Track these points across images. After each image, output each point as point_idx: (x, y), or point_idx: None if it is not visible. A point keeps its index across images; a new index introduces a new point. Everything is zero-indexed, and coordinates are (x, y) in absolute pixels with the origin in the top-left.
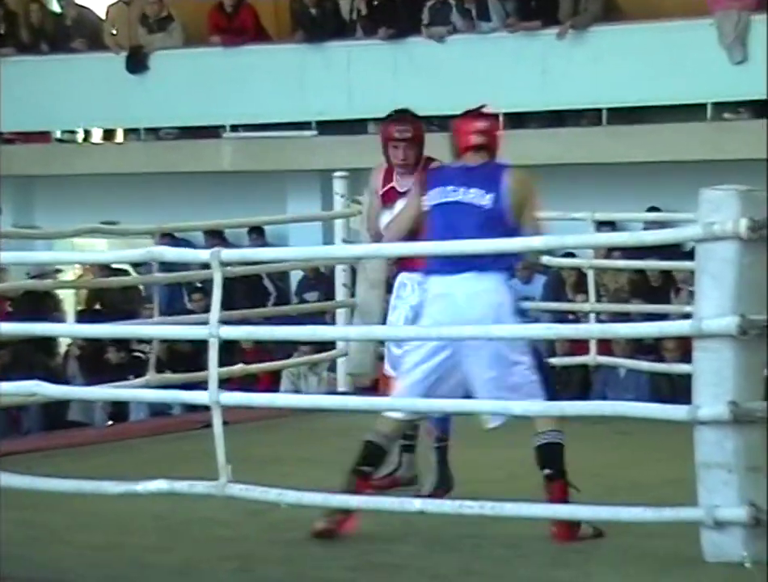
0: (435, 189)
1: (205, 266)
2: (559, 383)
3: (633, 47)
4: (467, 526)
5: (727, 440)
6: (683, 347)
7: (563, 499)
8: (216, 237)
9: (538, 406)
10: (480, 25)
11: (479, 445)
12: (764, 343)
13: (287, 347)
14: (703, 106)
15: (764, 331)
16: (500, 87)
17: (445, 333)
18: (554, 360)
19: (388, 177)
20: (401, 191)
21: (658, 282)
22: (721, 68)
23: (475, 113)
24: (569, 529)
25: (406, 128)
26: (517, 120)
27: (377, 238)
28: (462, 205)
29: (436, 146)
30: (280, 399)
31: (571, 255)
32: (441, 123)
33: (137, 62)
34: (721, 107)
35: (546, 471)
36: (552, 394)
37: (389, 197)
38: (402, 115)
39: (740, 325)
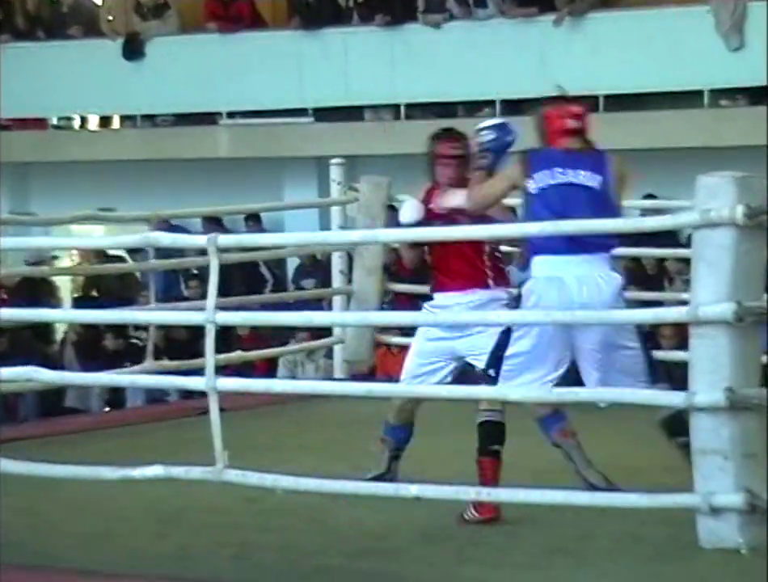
0: (541, 172)
1: (202, 252)
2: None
3: (630, 34)
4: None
5: (723, 426)
6: (680, 335)
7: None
8: (214, 223)
9: (535, 392)
10: (477, 12)
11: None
12: (760, 330)
13: (284, 335)
14: (700, 93)
15: (760, 317)
16: (497, 74)
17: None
18: None
19: (428, 198)
20: (438, 212)
21: (654, 270)
22: (718, 55)
23: (567, 98)
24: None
25: (458, 146)
26: (515, 107)
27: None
28: (575, 186)
29: (425, 134)
30: (277, 385)
31: None
32: (440, 111)
33: (133, 49)
34: (718, 94)
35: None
36: (657, 378)
37: (428, 217)
38: (452, 133)
39: (737, 312)
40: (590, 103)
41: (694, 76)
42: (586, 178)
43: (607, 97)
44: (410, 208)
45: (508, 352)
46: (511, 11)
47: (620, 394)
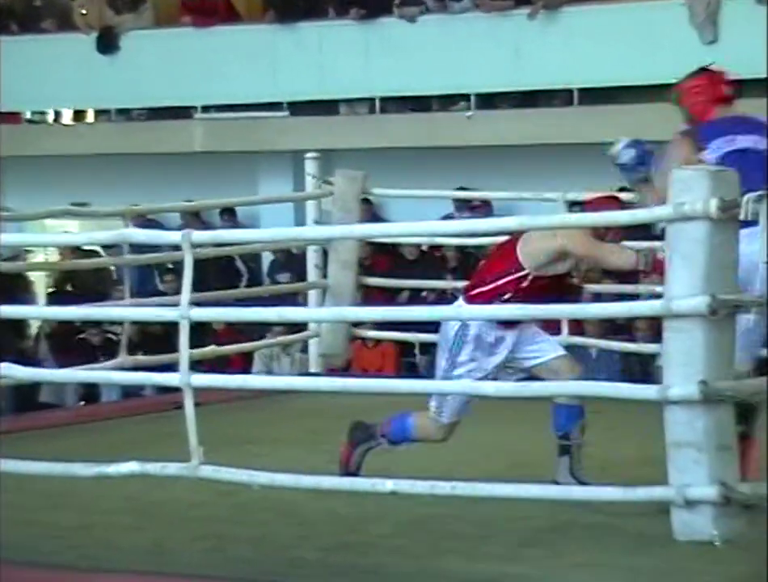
0: (715, 141)
1: (176, 247)
2: None
3: (604, 27)
4: (439, 506)
5: (697, 419)
6: (654, 328)
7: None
8: (193, 217)
9: (510, 386)
10: (452, 5)
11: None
12: (733, 323)
13: (260, 329)
14: (673, 85)
15: (734, 310)
16: (472, 67)
17: None
18: None
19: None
20: None
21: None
22: (692, 48)
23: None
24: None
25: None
26: (489, 100)
27: None
28: (751, 152)
29: (406, 127)
30: (252, 381)
31: None
32: (415, 104)
33: (107, 43)
34: None
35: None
36: None
37: None
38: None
39: (710, 305)
40: (564, 96)
41: (669, 69)
42: (757, 142)
43: (582, 90)
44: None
45: None
46: (486, 5)
47: (596, 388)
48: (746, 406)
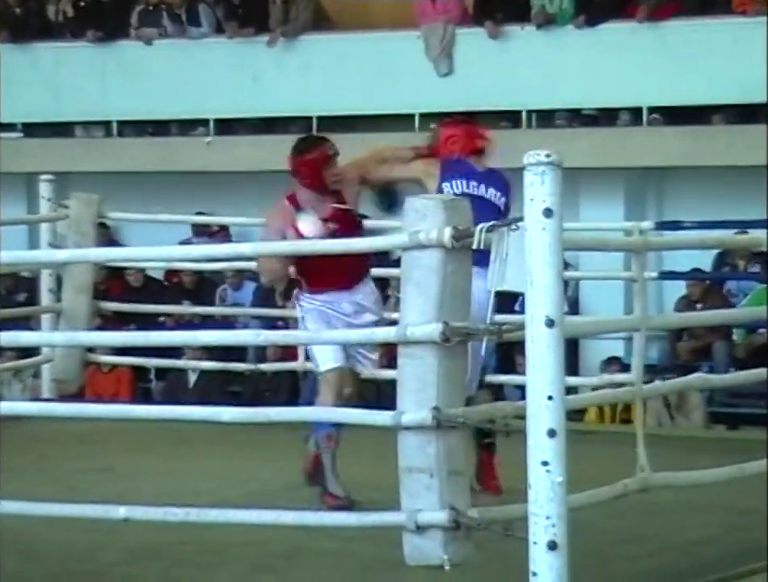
0: (456, 180)
1: None
2: (268, 390)
3: (343, 56)
4: (172, 533)
5: (429, 445)
6: (390, 353)
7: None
8: None
9: (245, 413)
10: (191, 30)
11: (186, 456)
12: (465, 350)
13: None
14: (411, 116)
15: (465, 338)
16: (211, 93)
17: None
18: (263, 366)
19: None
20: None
21: None
22: (428, 80)
23: (468, 118)
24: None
25: (331, 146)
26: (228, 126)
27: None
28: (484, 201)
29: (144, 151)
30: None
31: None
32: (154, 129)
33: None
34: (428, 117)
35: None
36: None
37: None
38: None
39: (443, 332)
40: (303, 124)
41: (406, 99)
42: (494, 196)
43: (320, 118)
44: (311, 223)
45: None
46: (225, 31)
47: (331, 413)
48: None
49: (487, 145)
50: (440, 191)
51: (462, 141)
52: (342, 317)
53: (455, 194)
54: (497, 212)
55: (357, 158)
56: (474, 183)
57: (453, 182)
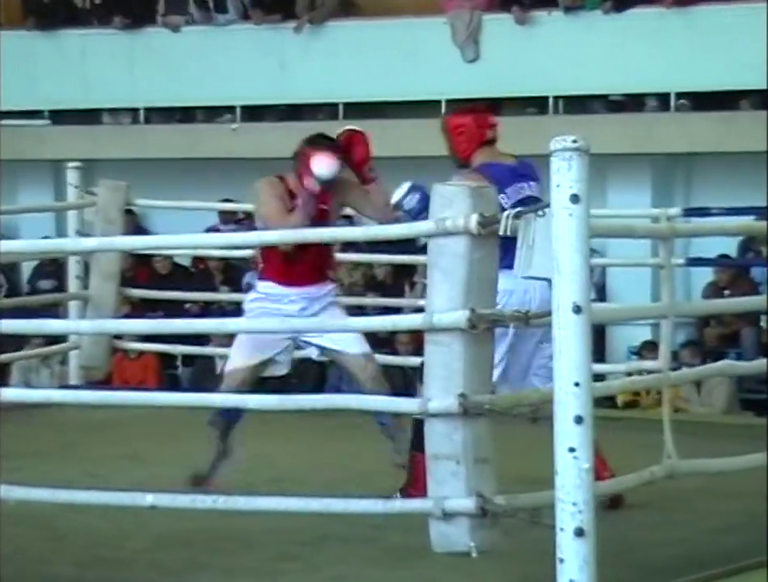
0: (507, 190)
1: None
2: (294, 377)
3: (369, 43)
4: (199, 520)
5: (456, 431)
6: (417, 341)
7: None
8: None
9: (272, 400)
10: (217, 17)
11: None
12: (492, 337)
13: (18, 339)
14: (438, 103)
15: (492, 324)
16: (238, 80)
17: None
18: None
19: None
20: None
21: (390, 277)
22: (454, 66)
23: (482, 107)
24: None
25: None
26: (255, 112)
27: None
28: (533, 199)
29: (170, 138)
30: (8, 393)
31: None
32: (180, 116)
33: None
34: (455, 104)
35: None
36: None
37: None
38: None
39: (470, 319)
40: (329, 110)
41: (432, 86)
42: (536, 190)
43: (346, 105)
44: (327, 162)
45: None
46: (252, 17)
47: (358, 401)
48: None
49: (496, 133)
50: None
51: (470, 132)
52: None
53: (516, 203)
54: None
55: None
56: (521, 185)
57: (506, 192)
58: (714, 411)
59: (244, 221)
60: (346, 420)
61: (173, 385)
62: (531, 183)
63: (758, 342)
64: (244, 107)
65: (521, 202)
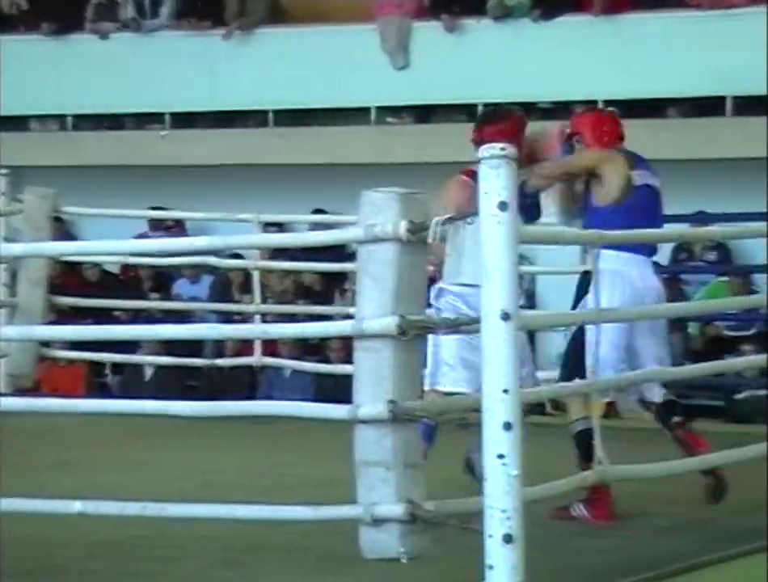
0: (640, 170)
1: None
2: (225, 384)
3: (299, 50)
4: (131, 528)
5: (386, 438)
6: (348, 348)
7: None
8: None
9: (202, 406)
10: (147, 23)
11: (144, 450)
12: (421, 343)
13: None
14: (367, 110)
15: (421, 330)
16: (167, 86)
17: None
18: (220, 361)
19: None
20: None
21: (321, 285)
22: (384, 73)
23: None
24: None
25: None
26: (185, 120)
27: None
28: (656, 191)
29: (99, 145)
30: None
31: (237, 256)
32: (109, 123)
33: None
34: (384, 111)
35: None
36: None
37: None
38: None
39: (400, 325)
40: (260, 118)
41: (362, 93)
42: (657, 181)
43: (276, 112)
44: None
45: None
46: (182, 24)
47: (288, 408)
48: None
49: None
50: (617, 175)
51: (612, 128)
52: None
53: (643, 185)
54: (662, 202)
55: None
56: (647, 172)
57: (638, 171)
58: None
59: (173, 229)
60: (280, 427)
61: (103, 392)
62: (650, 172)
63: (686, 348)
64: (173, 114)
65: (646, 187)
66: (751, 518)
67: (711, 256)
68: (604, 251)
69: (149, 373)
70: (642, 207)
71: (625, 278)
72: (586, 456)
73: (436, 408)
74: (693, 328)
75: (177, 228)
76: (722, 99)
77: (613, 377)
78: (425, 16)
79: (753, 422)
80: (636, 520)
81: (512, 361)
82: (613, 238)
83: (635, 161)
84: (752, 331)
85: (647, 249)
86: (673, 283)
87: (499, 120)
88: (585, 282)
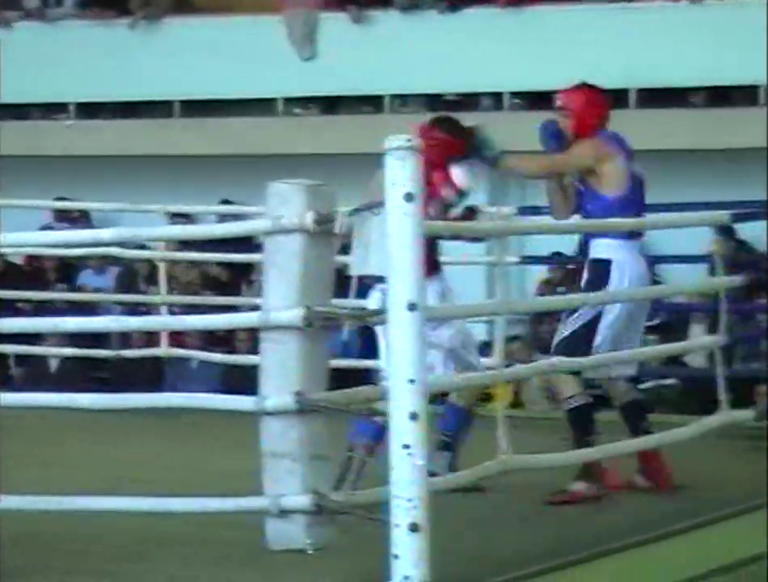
0: (624, 155)
1: None
2: (131, 376)
3: (205, 40)
4: (37, 522)
5: (292, 429)
6: (255, 339)
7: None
8: None
9: (106, 399)
10: (51, 12)
11: (49, 444)
12: (327, 335)
13: None
14: (274, 100)
15: (327, 322)
16: (73, 76)
17: None
18: (126, 353)
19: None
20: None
21: (228, 276)
22: (291, 64)
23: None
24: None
25: None
26: (90, 110)
27: None
28: (638, 175)
29: (4, 135)
30: None
31: (143, 246)
32: (16, 112)
33: None
34: (291, 102)
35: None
36: None
37: None
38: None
39: (306, 316)
40: (166, 108)
41: (268, 84)
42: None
43: (183, 102)
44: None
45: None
46: (87, 13)
47: (194, 400)
48: None
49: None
50: (615, 168)
51: (602, 110)
52: None
53: (631, 174)
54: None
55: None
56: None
57: (622, 156)
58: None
59: (79, 220)
60: (187, 419)
61: (6, 385)
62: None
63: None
64: (79, 105)
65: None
66: (649, 507)
67: None
68: (602, 240)
69: (54, 364)
70: (637, 193)
71: (627, 266)
72: (586, 431)
73: (341, 399)
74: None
75: (83, 219)
76: (625, 91)
77: (520, 368)
78: (332, 7)
79: (658, 412)
80: (533, 509)
81: (418, 352)
82: (517, 229)
83: (621, 146)
84: (655, 322)
85: (638, 235)
86: (578, 273)
87: (449, 132)
88: (599, 273)
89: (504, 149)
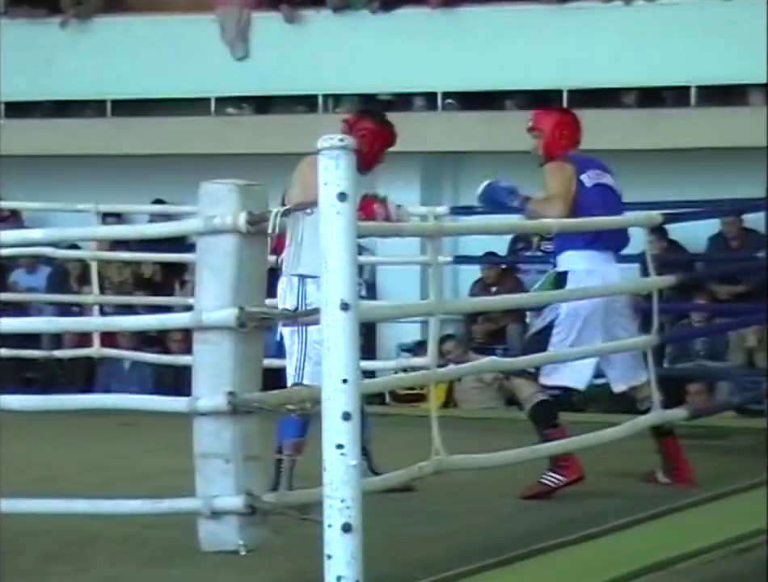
0: (588, 171)
1: None
2: (63, 376)
3: (137, 39)
4: None
5: (225, 430)
6: (188, 339)
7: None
8: None
9: (37, 400)
10: None
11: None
12: (261, 335)
13: None
14: (207, 100)
15: (261, 322)
16: (3, 75)
17: None
18: (58, 353)
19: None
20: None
21: (160, 276)
22: (224, 63)
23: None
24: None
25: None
26: (20, 109)
27: None
28: (611, 189)
29: None
30: None
31: (75, 246)
32: None
33: None
34: (224, 101)
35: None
36: None
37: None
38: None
39: (239, 317)
40: (98, 107)
41: (201, 83)
42: (614, 182)
43: (115, 102)
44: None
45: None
46: (17, 12)
47: (126, 400)
48: None
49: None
50: (580, 185)
51: (572, 132)
52: None
53: (594, 185)
54: (620, 198)
55: None
56: (598, 171)
57: (587, 173)
58: (485, 406)
59: (9, 220)
60: (119, 419)
61: None
62: (607, 175)
63: (523, 338)
64: (9, 104)
65: (599, 185)
66: (582, 505)
67: (549, 246)
68: (563, 254)
69: None
70: (594, 205)
71: (584, 276)
72: (551, 423)
73: (275, 400)
74: (531, 318)
75: (13, 218)
76: (559, 92)
77: (454, 368)
78: (265, 7)
79: (589, 411)
80: (467, 509)
81: (351, 351)
82: (451, 230)
83: (584, 164)
84: None
85: (614, 245)
86: (511, 273)
87: (376, 121)
88: (559, 282)
89: (525, 196)
